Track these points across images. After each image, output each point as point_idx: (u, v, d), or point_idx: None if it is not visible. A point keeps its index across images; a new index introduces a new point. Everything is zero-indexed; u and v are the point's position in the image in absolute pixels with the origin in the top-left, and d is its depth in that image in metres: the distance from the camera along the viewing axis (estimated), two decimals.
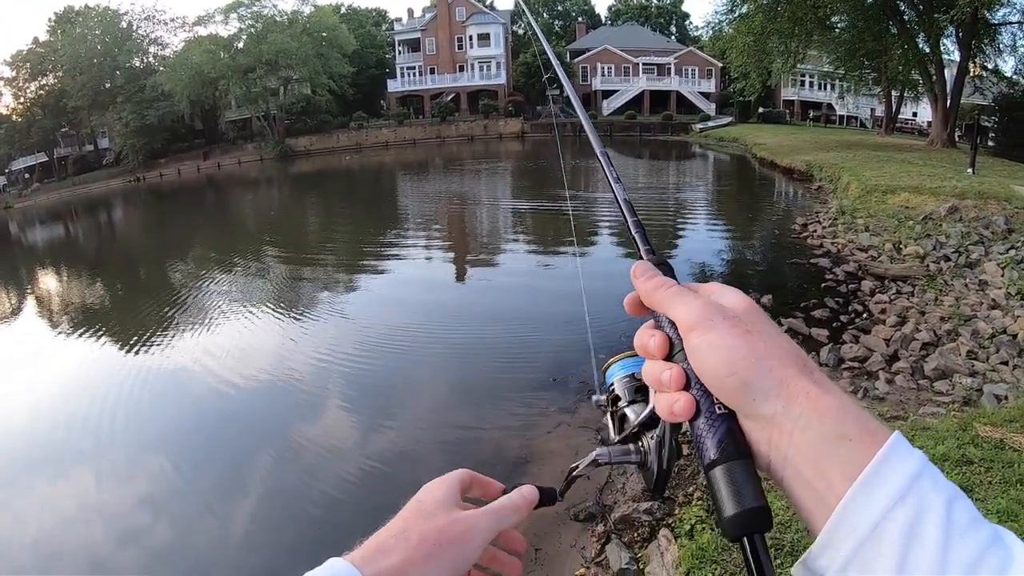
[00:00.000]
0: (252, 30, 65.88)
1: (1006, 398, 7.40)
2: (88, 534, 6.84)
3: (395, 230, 21.55)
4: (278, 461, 7.79)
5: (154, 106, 63.60)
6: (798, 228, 17.34)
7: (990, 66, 37.71)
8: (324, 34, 68.04)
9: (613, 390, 0.97)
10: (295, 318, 13.25)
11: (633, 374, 0.96)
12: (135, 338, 12.94)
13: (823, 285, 12.33)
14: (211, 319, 13.69)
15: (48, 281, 22.98)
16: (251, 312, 13.75)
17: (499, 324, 11.59)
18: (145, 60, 70.83)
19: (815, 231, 16.75)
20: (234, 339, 12.17)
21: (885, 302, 11.10)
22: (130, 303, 17.08)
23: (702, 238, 17.76)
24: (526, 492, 0.88)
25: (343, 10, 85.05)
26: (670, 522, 5.52)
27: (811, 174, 26.57)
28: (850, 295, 11.72)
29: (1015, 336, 9.24)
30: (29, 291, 21.44)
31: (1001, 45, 35.43)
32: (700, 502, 5.58)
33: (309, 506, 6.88)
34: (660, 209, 21.70)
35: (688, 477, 6.14)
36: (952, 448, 5.38)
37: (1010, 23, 34.11)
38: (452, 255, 17.89)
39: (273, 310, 13.85)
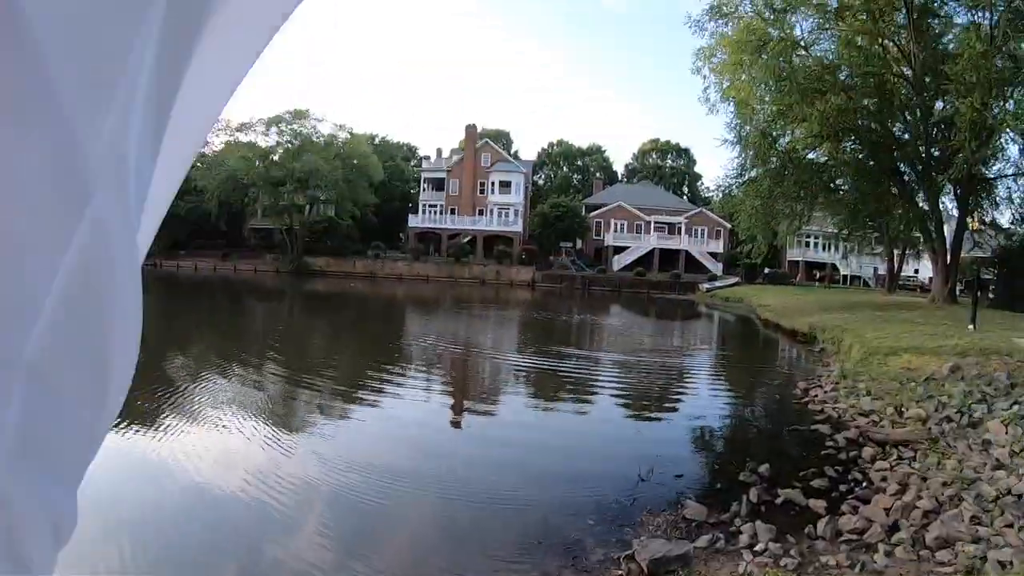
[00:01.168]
0: (289, 145, 68.77)
1: (1011, 564, 7.20)
2: None
3: (397, 366, 21.35)
4: None
5: (184, 199, 65.05)
6: (799, 393, 17.31)
7: (988, 219, 38.79)
8: (355, 161, 70.85)
9: None
10: (284, 436, 12.96)
11: None
12: (119, 424, 12.47)
13: (823, 453, 12.17)
14: (199, 421, 13.42)
15: None
16: (241, 421, 13.49)
17: (487, 477, 11.32)
18: None
19: (816, 396, 16.69)
20: (219, 445, 11.95)
21: (886, 469, 10.93)
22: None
23: (703, 403, 17.58)
24: None
25: (376, 140, 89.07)
26: None
27: (814, 336, 26.73)
28: (850, 463, 11.55)
29: (1020, 496, 9.07)
30: None
31: (997, 198, 36.90)
32: None
33: None
34: (664, 370, 21.64)
35: None
36: None
37: (1005, 176, 35.31)
38: (449, 401, 17.69)
39: (264, 423, 13.57)
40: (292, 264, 67.37)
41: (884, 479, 10.50)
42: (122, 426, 12.33)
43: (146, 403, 14.25)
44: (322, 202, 70.97)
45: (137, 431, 12.34)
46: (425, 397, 17.61)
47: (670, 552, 7.76)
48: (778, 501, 9.80)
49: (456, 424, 15.09)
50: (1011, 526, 8.34)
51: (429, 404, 16.95)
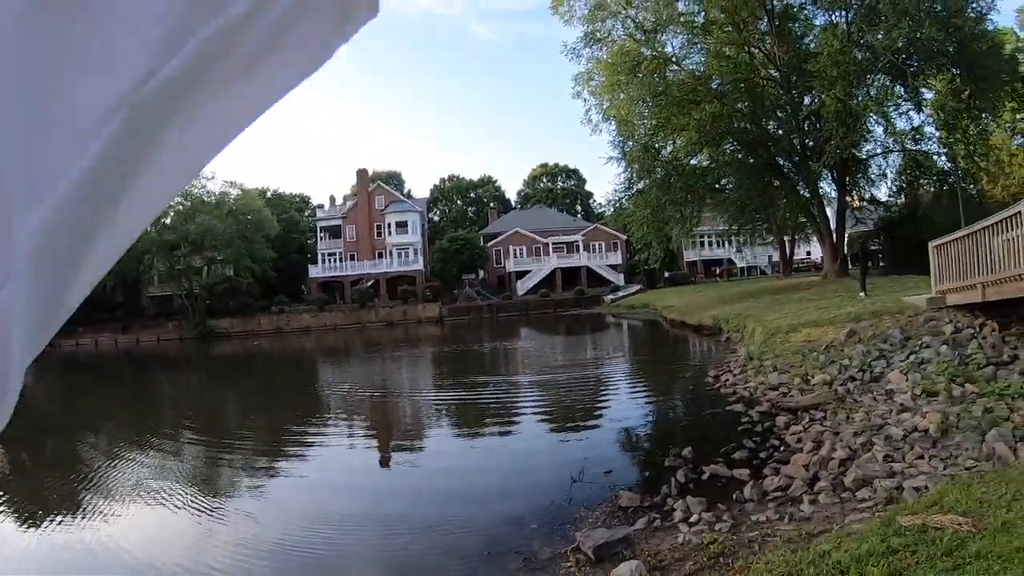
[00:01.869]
0: (180, 207, 66.61)
1: (926, 487, 7.71)
2: None
3: (316, 417, 20.85)
4: None
5: None
6: (711, 380, 17.97)
7: (867, 196, 40.73)
8: (249, 217, 69.39)
9: None
10: (213, 503, 12.55)
11: None
12: (37, 513, 12.32)
13: (740, 429, 12.68)
14: (122, 501, 12.86)
15: None
16: (167, 496, 12.95)
17: (425, 508, 11.29)
18: None
19: (727, 380, 17.35)
20: (147, 523, 11.52)
21: (800, 432, 11.49)
22: (33, 476, 16.04)
23: (622, 405, 17.91)
24: None
25: (268, 194, 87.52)
26: None
27: (719, 327, 27.56)
28: (767, 432, 12.13)
29: (926, 431, 9.68)
30: None
31: (872, 175, 38.76)
32: None
33: None
34: (581, 384, 21.88)
35: None
36: (875, 544, 5.57)
37: (875, 155, 37.20)
38: (375, 443, 17.44)
39: (190, 494, 13.08)
40: (196, 329, 65.42)
41: (799, 440, 11.05)
42: (43, 518, 11.98)
43: (64, 490, 13.87)
44: (219, 262, 69.37)
45: (59, 521, 11.85)
46: (350, 443, 17.40)
47: (612, 537, 8.02)
48: (704, 477, 10.19)
49: (386, 463, 14.99)
50: (922, 457, 8.93)
51: (355, 449, 16.78)
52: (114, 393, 33.78)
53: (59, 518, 12.08)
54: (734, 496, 9.10)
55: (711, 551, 7.12)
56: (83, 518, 12.15)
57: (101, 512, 12.40)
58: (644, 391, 20.32)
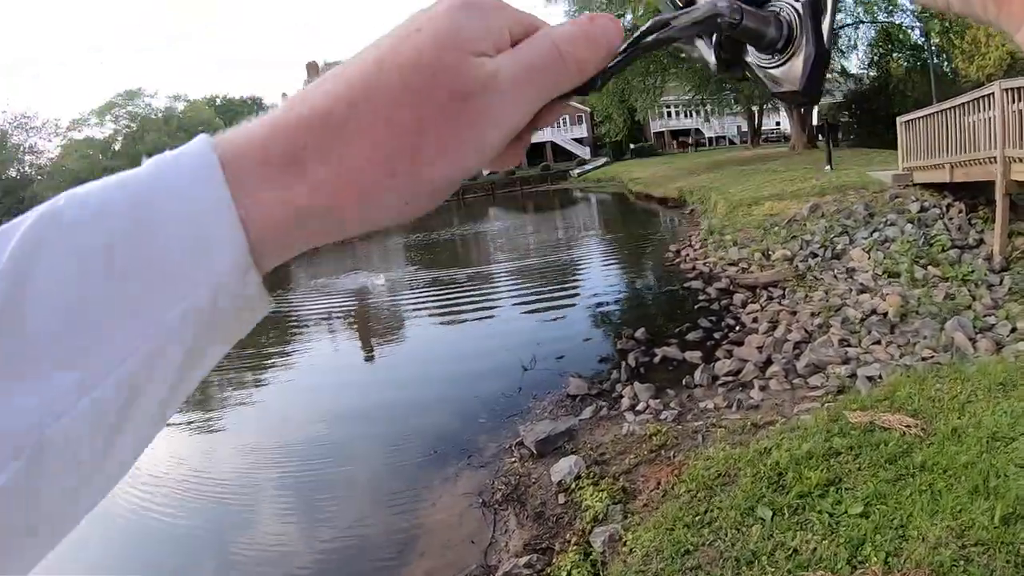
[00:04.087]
0: (127, 130, 64.60)
1: (879, 377, 7.42)
2: None
3: (289, 316, 20.66)
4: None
5: None
6: (671, 255, 17.51)
7: (837, 68, 39.80)
8: (200, 129, 66.15)
9: None
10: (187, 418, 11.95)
11: None
12: None
13: (696, 307, 12.33)
14: None
15: None
16: None
17: (374, 404, 11.09)
18: (21, 170, 68.51)
19: (687, 255, 16.92)
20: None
21: (757, 311, 11.15)
22: None
23: (583, 288, 17.28)
24: (602, 21, 0.51)
25: (218, 101, 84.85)
26: (550, 572, 5.28)
27: (684, 200, 27.04)
28: (723, 311, 11.76)
29: (885, 314, 9.38)
30: None
31: (843, 47, 37.52)
32: (577, 547, 5.35)
33: None
34: (544, 266, 21.17)
35: (566, 523, 5.93)
36: (819, 443, 5.26)
37: (846, 26, 36.04)
38: (329, 337, 17.16)
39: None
40: None
41: (756, 320, 10.71)
42: None
43: None
44: None
45: None
46: (307, 336, 17.23)
47: (554, 430, 7.74)
48: (656, 360, 9.89)
49: (340, 359, 14.71)
50: (879, 343, 8.61)
51: (311, 343, 16.66)
52: None
53: None
54: (684, 381, 8.80)
55: (653, 443, 6.83)
56: None
57: None
58: (606, 269, 19.94)
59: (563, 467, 6.77)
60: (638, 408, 8.20)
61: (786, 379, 8.13)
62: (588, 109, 61.43)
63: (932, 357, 7.90)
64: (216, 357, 0.46)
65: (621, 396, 8.72)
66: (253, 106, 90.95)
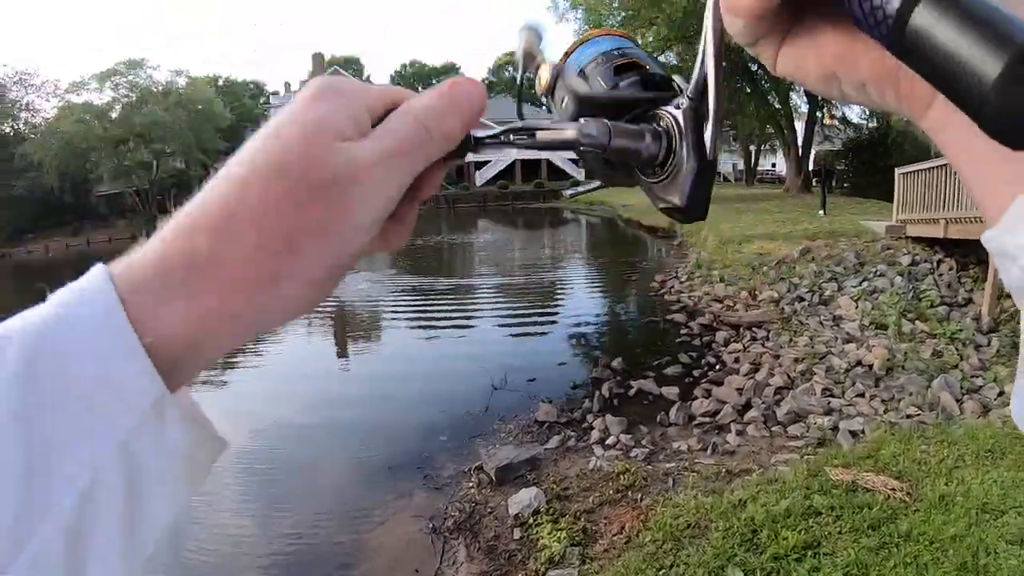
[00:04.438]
0: (126, 99, 62.88)
1: (862, 432, 7.07)
2: None
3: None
4: None
5: (23, 177, 59.32)
6: (657, 285, 17.11)
7: (838, 115, 39.79)
8: (200, 107, 65.42)
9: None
10: None
11: (607, 51, 0.67)
12: None
13: (678, 340, 11.96)
14: None
15: None
16: None
17: (336, 413, 10.73)
18: (15, 127, 66.09)
19: (672, 287, 16.55)
20: None
21: (739, 351, 10.80)
22: None
23: (564, 308, 17.11)
24: (463, 86, 0.51)
25: (220, 82, 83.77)
26: None
27: (673, 231, 26.69)
28: (704, 348, 11.37)
29: (871, 367, 9.05)
30: None
31: None
32: None
33: None
34: (527, 284, 21.03)
35: (519, 562, 5.54)
36: (797, 501, 4.89)
37: None
38: (300, 343, 16.81)
39: None
40: (148, 226, 61.37)
41: (737, 360, 10.35)
42: None
43: None
44: (168, 155, 65.29)
45: None
46: (299, 342, 16.89)
47: (517, 458, 7.37)
48: (631, 393, 9.53)
49: (307, 367, 14.15)
50: (862, 395, 8.26)
51: (298, 350, 16.24)
52: None
53: None
54: (658, 418, 8.41)
55: (620, 482, 6.46)
56: None
57: None
58: (589, 293, 19.62)
59: (522, 499, 6.39)
60: (608, 442, 7.82)
61: (765, 426, 7.75)
62: None
63: (918, 415, 7.54)
64: (175, 498, 0.45)
65: (591, 428, 8.35)
66: (255, 90, 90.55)
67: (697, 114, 0.57)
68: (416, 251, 33.13)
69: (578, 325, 14.73)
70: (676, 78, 0.64)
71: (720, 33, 0.55)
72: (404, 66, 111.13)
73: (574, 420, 8.77)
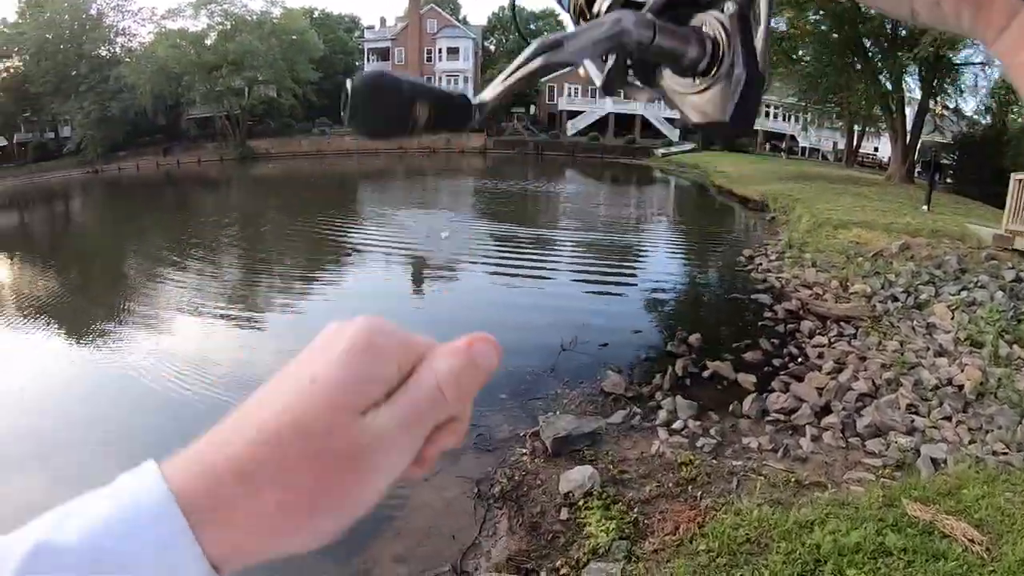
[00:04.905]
0: (221, 27, 65.00)
1: (944, 463, 6.51)
2: None
3: (354, 242, 20.51)
4: None
5: (117, 98, 61.35)
6: (744, 260, 16.43)
7: (951, 105, 37.86)
8: (293, 37, 66.69)
9: None
10: (251, 323, 12.77)
11: None
12: (82, 331, 12.39)
13: (760, 324, 11.40)
14: (166, 319, 13.05)
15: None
16: (209, 315, 13.17)
17: None
18: (111, 50, 68.46)
19: (760, 264, 15.88)
20: (189, 341, 11.57)
21: (824, 345, 10.20)
22: (81, 296, 16.08)
23: (644, 270, 16.82)
24: (480, 347, 0.52)
25: (316, 14, 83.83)
26: None
27: (766, 204, 25.83)
28: (787, 336, 10.77)
29: (961, 388, 8.38)
30: None
31: (963, 85, 35.64)
32: None
33: None
34: (611, 241, 20.66)
35: (561, 546, 5.25)
36: (870, 534, 4.48)
37: (973, 64, 34.06)
38: (388, 273, 17.22)
39: (230, 314, 13.24)
40: (236, 151, 63.80)
41: (821, 356, 9.78)
42: (93, 330, 12.49)
43: (121, 304, 14.19)
44: (260, 83, 66.91)
45: (112, 336, 12.13)
46: (373, 268, 17.38)
47: (577, 430, 7.07)
48: (705, 374, 9.10)
49: (391, 305, 14.13)
50: (949, 419, 7.64)
51: (374, 275, 16.70)
52: (156, 215, 31.93)
53: (104, 328, 12.56)
54: (731, 407, 7.96)
55: (682, 474, 6.14)
56: (128, 329, 12.48)
57: (145, 324, 12.75)
58: (672, 260, 19.10)
59: (575, 477, 6.10)
60: (674, 426, 7.46)
61: (842, 435, 7.24)
62: None
63: (1005, 455, 6.89)
64: None
65: (659, 407, 8.00)
66: (350, 23, 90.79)
67: (745, 19, 0.51)
68: (500, 196, 32.92)
69: (658, 292, 14.32)
70: None
71: None
72: (502, 8, 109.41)
73: (642, 396, 8.44)
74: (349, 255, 18.68)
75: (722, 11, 0.53)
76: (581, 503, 5.75)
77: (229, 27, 64.80)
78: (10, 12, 71.16)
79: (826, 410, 7.87)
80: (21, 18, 67.53)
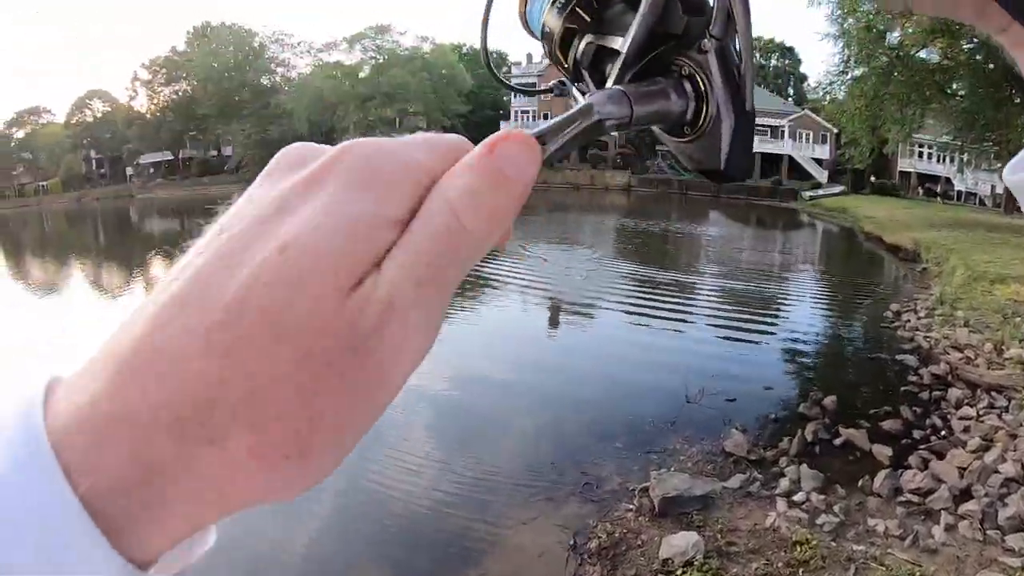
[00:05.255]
0: (374, 61, 70.80)
1: None
2: None
3: (490, 272, 20.87)
4: None
5: (276, 122, 67.88)
6: (890, 316, 15.44)
7: None
8: (443, 72, 70.27)
9: (549, 28, 0.63)
10: None
11: None
12: None
13: (903, 388, 10.56)
14: None
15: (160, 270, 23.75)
16: None
17: (519, 388, 10.88)
18: (272, 80, 77.53)
19: (908, 321, 14.84)
20: None
21: (971, 418, 9.34)
22: None
23: (784, 320, 16.11)
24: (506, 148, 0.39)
25: (464, 49, 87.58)
26: None
27: (917, 254, 24.53)
28: (932, 405, 9.92)
29: None
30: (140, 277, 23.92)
31: None
32: None
33: None
34: (751, 287, 20.26)
35: None
36: None
37: None
38: (515, 307, 17.44)
39: None
40: None
41: (967, 430, 8.94)
42: None
43: None
44: (411, 113, 70.54)
45: None
46: (513, 305, 17.51)
47: (689, 491, 6.72)
48: (837, 442, 8.50)
49: (526, 333, 14.71)
50: None
51: (512, 312, 16.88)
52: None
53: None
54: (860, 481, 7.35)
55: (795, 554, 5.70)
56: None
57: None
58: (814, 312, 18.14)
59: (678, 543, 5.81)
60: (795, 498, 6.95)
61: (980, 526, 6.52)
62: (835, 130, 57.65)
63: None
64: None
65: (782, 474, 7.51)
66: (498, 59, 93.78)
67: (725, 55, 0.49)
68: (640, 235, 32.76)
69: (796, 346, 13.67)
70: None
71: None
72: None
73: (765, 460, 7.97)
74: (485, 284, 18.79)
75: (699, 50, 0.50)
76: (679, 572, 5.42)
77: (382, 61, 70.81)
78: (179, 41, 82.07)
79: (966, 494, 7.13)
80: (189, 47, 77.19)
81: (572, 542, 6.23)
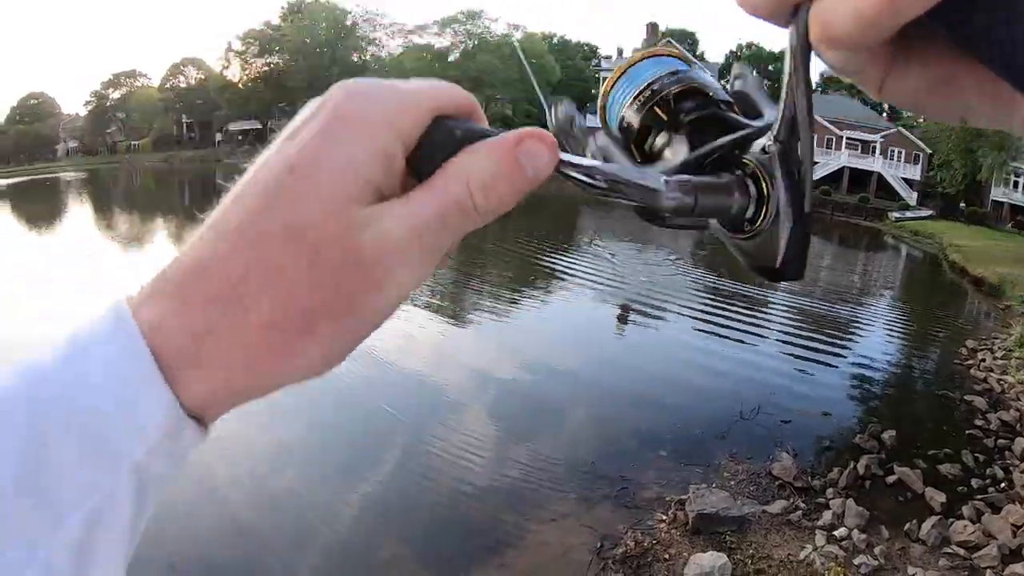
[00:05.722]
0: (464, 46, 71.71)
1: None
2: None
3: (576, 266, 21.24)
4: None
5: None
6: (964, 353, 14.78)
7: None
8: (532, 61, 70.24)
9: (628, 123, 0.65)
10: (443, 335, 13.36)
11: (650, 83, 0.63)
12: None
13: (967, 432, 10.03)
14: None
15: None
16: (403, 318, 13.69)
17: (571, 393, 10.59)
18: (362, 58, 79.07)
19: (983, 360, 14.16)
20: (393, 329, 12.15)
21: None
22: None
23: (853, 346, 15.58)
24: (530, 146, 0.43)
25: (555, 40, 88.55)
26: None
27: (1003, 290, 23.64)
28: (995, 453, 9.38)
29: None
30: None
31: None
32: None
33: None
34: (823, 308, 19.86)
35: None
36: None
37: None
38: (610, 308, 17.31)
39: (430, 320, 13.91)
40: None
41: None
42: None
43: None
44: (497, 100, 71.01)
45: None
46: (584, 300, 17.69)
47: (726, 511, 6.54)
48: (890, 479, 8.14)
49: (594, 328, 15.03)
50: None
51: (583, 306, 17.04)
52: None
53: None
54: (907, 525, 7.02)
55: None
56: None
57: None
58: (887, 340, 17.51)
59: (705, 562, 5.70)
60: (836, 533, 6.69)
61: None
62: (928, 150, 55.96)
63: None
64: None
65: (827, 506, 7.24)
66: (588, 52, 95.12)
67: (788, 158, 0.49)
68: (716, 241, 32.17)
69: (861, 371, 13.21)
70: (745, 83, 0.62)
71: (808, 58, 0.45)
72: (741, 47, 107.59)
73: (811, 489, 7.68)
74: (556, 280, 19.17)
75: (763, 151, 0.50)
76: None
77: (471, 46, 71.63)
78: (274, 15, 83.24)
79: (1016, 555, 6.74)
80: (283, 21, 79.72)
81: (599, 545, 6.16)
